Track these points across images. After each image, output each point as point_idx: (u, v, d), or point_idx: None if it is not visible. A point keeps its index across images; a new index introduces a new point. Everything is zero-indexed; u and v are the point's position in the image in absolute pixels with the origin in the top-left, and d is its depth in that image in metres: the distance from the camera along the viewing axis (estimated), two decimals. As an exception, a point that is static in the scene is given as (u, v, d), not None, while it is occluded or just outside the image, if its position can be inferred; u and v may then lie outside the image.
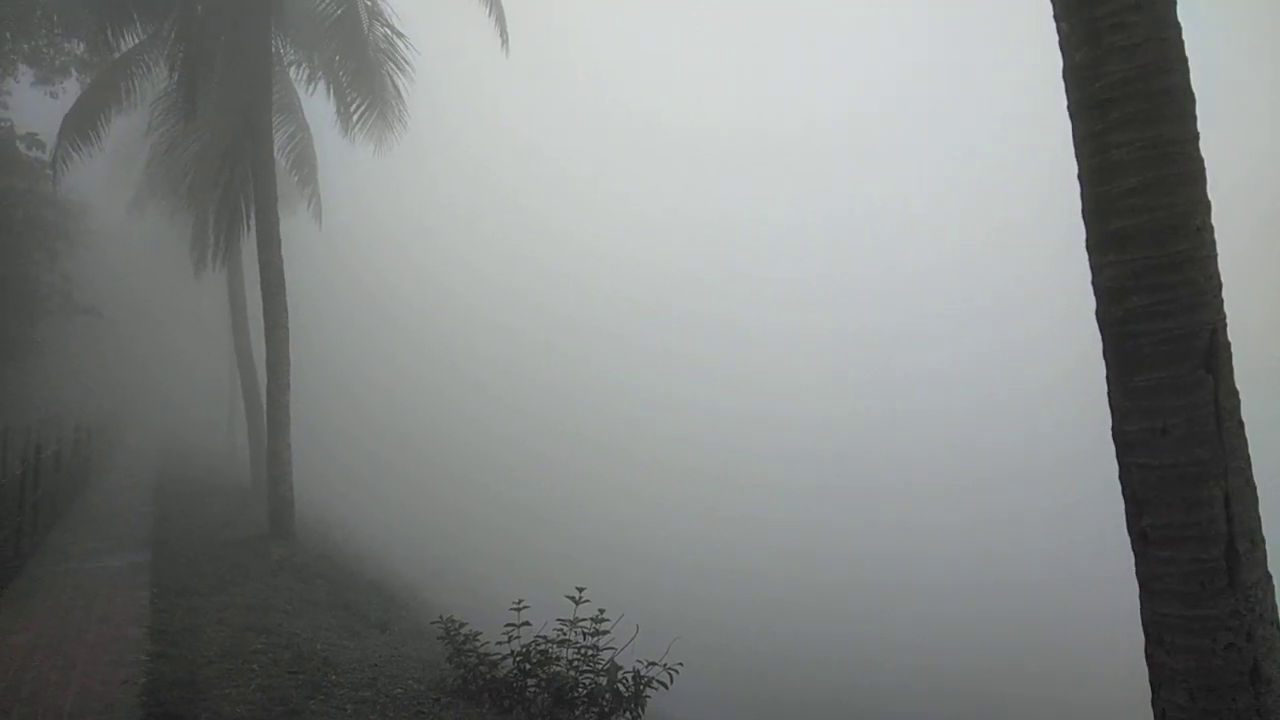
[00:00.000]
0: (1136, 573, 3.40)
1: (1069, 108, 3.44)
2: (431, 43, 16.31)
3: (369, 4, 14.15)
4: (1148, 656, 3.35)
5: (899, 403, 41.54)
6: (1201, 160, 3.29)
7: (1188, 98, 3.28)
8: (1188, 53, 3.31)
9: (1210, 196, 3.28)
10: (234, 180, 13.01)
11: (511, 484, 29.33)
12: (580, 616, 6.22)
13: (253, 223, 13.23)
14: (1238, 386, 3.32)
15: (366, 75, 14.50)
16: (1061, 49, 3.42)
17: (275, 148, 15.70)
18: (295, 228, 18.58)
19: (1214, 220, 3.29)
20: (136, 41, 14.55)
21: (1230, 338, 3.31)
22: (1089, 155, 3.39)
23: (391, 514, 22.89)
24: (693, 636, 7.56)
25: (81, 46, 16.11)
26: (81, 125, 15.12)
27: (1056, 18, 3.43)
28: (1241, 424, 3.31)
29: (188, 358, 29.16)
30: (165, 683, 6.03)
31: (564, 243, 44.73)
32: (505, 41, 15.26)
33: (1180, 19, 3.33)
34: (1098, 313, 3.44)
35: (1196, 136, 3.29)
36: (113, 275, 23.78)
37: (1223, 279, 3.32)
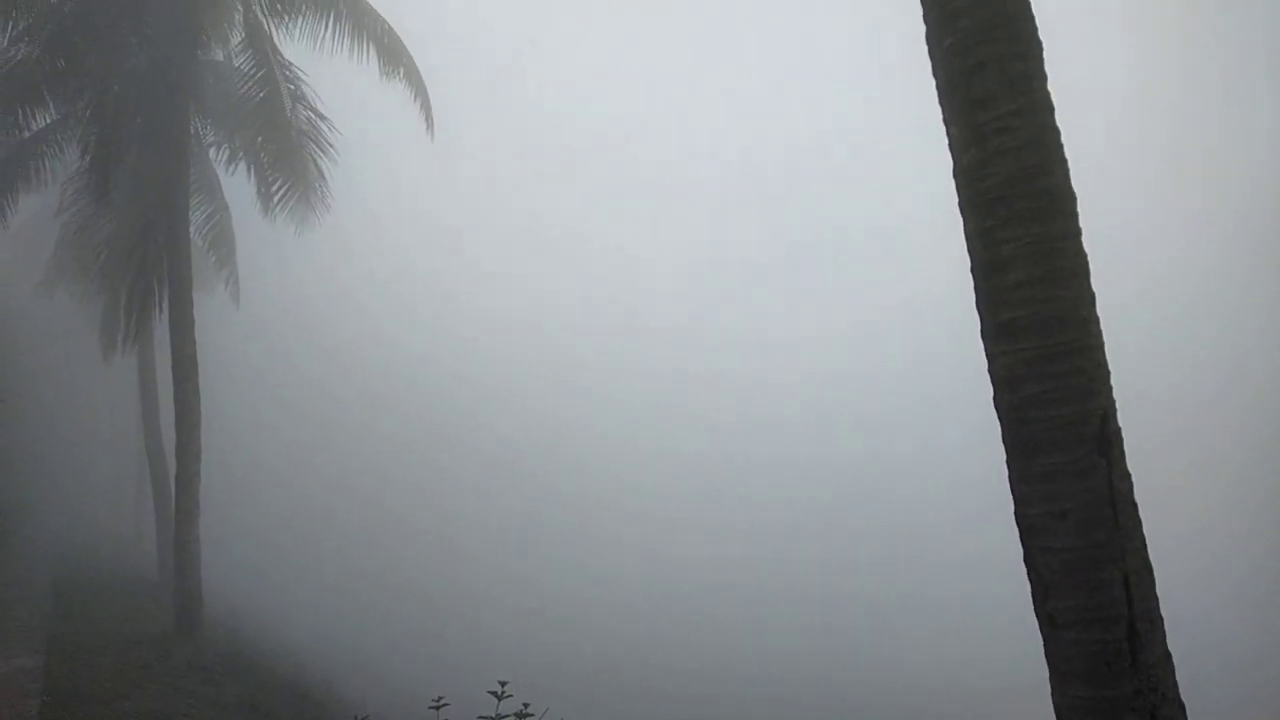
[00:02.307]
0: (1045, 655, 3.47)
1: (960, 205, 3.62)
2: (357, 121, 16.41)
3: (292, 88, 14.17)
4: (1057, 739, 3.40)
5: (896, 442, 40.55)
6: (1085, 255, 3.48)
7: (1069, 197, 3.48)
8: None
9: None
10: (148, 262, 12.72)
11: (449, 555, 28.65)
12: (503, 714, 5.98)
13: (166, 305, 12.92)
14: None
15: (288, 157, 14.45)
16: (951, 151, 3.62)
17: (193, 228, 15.47)
18: (211, 308, 18.19)
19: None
20: (48, 121, 14.28)
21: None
22: (980, 250, 3.55)
23: (315, 597, 22.12)
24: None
25: (-10, 126, 15.72)
26: (-13, 206, 14.67)
27: (945, 122, 3.63)
28: (1135, 505, 3.44)
29: (94, 444, 27.99)
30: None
31: (508, 291, 44.00)
32: (430, 127, 15.44)
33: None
34: (995, 400, 3.56)
35: (1079, 233, 3.49)
36: (17, 359, 22.85)
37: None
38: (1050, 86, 3.52)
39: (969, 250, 3.62)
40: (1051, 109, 3.49)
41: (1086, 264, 3.47)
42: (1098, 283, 3.45)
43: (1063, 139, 3.50)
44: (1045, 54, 3.51)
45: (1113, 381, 3.43)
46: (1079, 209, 3.48)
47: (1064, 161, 3.49)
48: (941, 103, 3.63)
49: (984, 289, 3.55)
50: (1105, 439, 3.37)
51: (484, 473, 35.94)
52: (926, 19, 3.62)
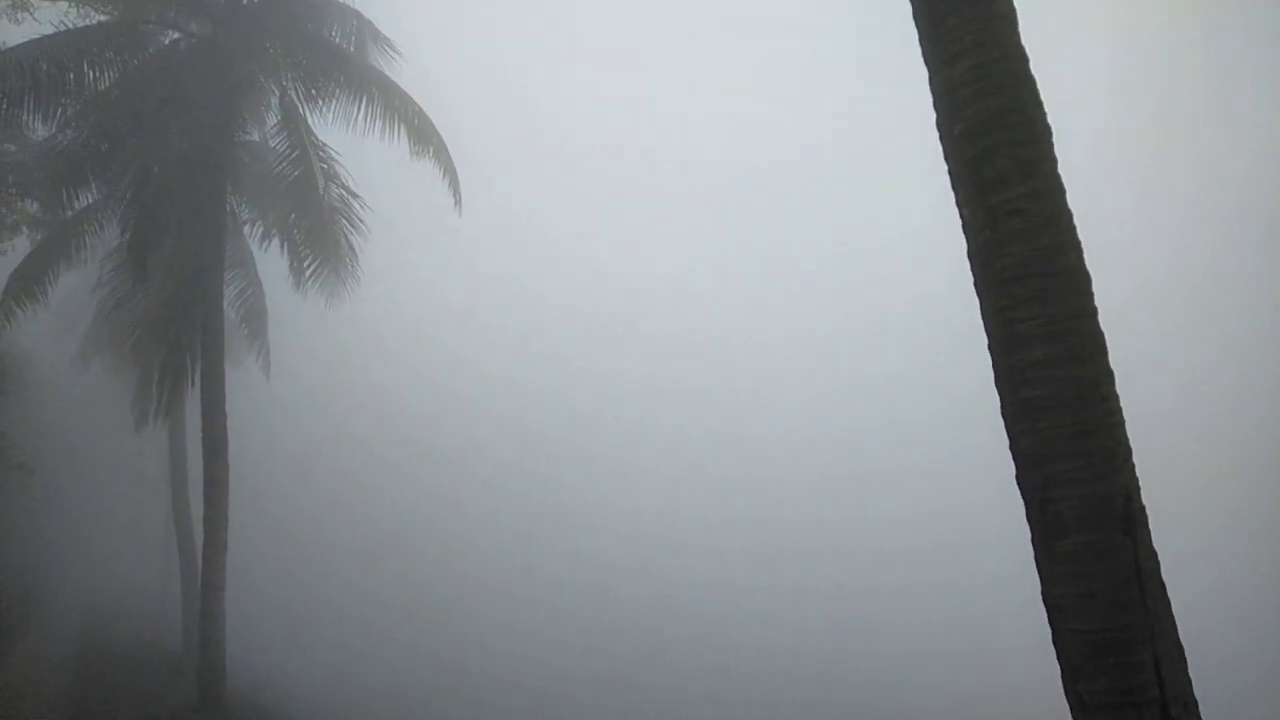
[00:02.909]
0: (1077, 738, 3.40)
1: (975, 285, 3.67)
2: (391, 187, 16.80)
3: (325, 167, 14.59)
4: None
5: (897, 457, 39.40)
6: (1101, 333, 3.51)
7: (1084, 277, 3.52)
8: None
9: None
10: (182, 338, 13.01)
11: (481, 628, 28.35)
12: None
13: (198, 379, 13.15)
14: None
15: (320, 234, 14.82)
16: (965, 232, 3.68)
17: (226, 302, 15.82)
18: (241, 381, 18.47)
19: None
20: (90, 200, 14.77)
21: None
22: (997, 328, 3.59)
23: (339, 670, 21.96)
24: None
25: (35, 205, 16.28)
26: (29, 283, 15.10)
27: (958, 204, 3.71)
28: (1163, 586, 3.40)
29: (123, 515, 28.21)
30: None
31: (529, 363, 43.74)
32: (458, 203, 15.80)
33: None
34: (1018, 478, 3.56)
35: (1095, 312, 3.52)
36: (51, 429, 23.22)
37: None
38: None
39: (986, 329, 3.66)
40: (1063, 191, 3.56)
41: (1104, 342, 3.49)
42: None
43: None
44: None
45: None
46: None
47: (1077, 243, 3.54)
48: (954, 186, 3.71)
49: (1003, 367, 3.57)
50: (1130, 518, 3.35)
51: (521, 547, 35.62)
52: (937, 106, 3.72)
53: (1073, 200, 3.56)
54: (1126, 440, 3.46)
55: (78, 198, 13.82)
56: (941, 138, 3.74)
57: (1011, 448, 3.57)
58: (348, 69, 14.30)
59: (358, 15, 14.96)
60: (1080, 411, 3.37)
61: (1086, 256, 3.54)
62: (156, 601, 24.86)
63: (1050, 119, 3.60)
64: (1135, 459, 3.43)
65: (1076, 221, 3.55)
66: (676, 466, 38.22)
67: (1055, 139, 3.58)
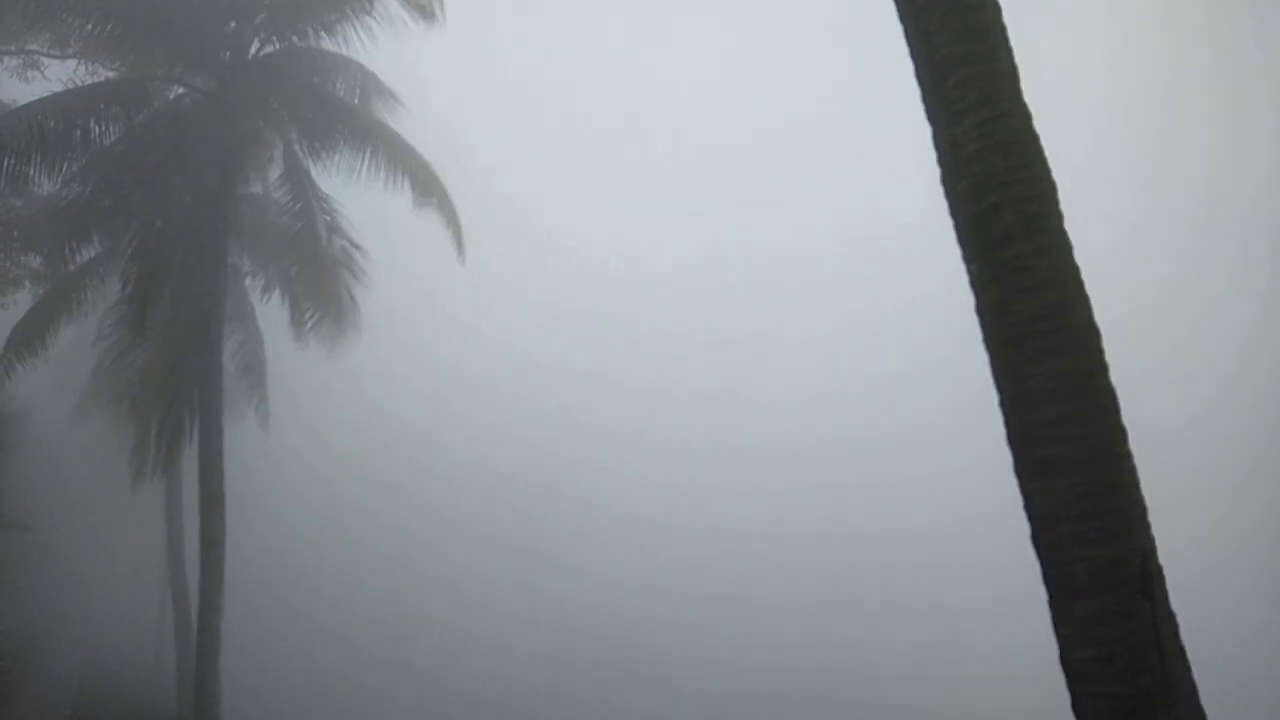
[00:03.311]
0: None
1: (984, 341, 3.63)
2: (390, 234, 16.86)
3: (327, 219, 14.69)
4: None
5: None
6: (1113, 390, 3.46)
7: (1094, 333, 3.49)
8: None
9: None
10: (180, 392, 12.96)
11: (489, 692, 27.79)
12: None
13: (196, 434, 13.08)
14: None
15: (322, 285, 14.86)
16: (972, 288, 3.65)
17: (225, 354, 15.81)
18: (240, 433, 18.35)
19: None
20: (92, 254, 14.83)
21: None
22: (1009, 385, 3.54)
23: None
24: None
25: (38, 260, 16.35)
26: (30, 337, 15.10)
27: (965, 259, 3.68)
28: (1182, 648, 3.31)
29: (118, 573, 27.84)
30: None
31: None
32: (461, 252, 15.90)
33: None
34: (1033, 538, 3.48)
35: (1106, 369, 3.47)
36: (48, 485, 23.04)
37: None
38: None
39: (996, 386, 3.61)
40: (1070, 248, 3.54)
41: (1116, 399, 3.45)
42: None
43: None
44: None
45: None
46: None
47: (1086, 299, 3.51)
48: (960, 242, 3.69)
49: (1015, 425, 3.52)
50: (1147, 579, 3.28)
51: (532, 607, 34.94)
52: (941, 162, 3.72)
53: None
54: (1142, 498, 3.39)
55: (80, 252, 13.88)
56: (946, 194, 3.73)
57: (1026, 507, 3.50)
58: (352, 122, 14.47)
59: (361, 69, 15.16)
60: (1095, 470, 3.31)
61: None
62: (152, 663, 24.45)
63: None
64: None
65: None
66: (676, 478, 37.42)
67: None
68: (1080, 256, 3.56)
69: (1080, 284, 3.53)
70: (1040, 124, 3.61)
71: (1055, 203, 3.56)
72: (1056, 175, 3.58)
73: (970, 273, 3.66)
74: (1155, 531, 3.38)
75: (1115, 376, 3.46)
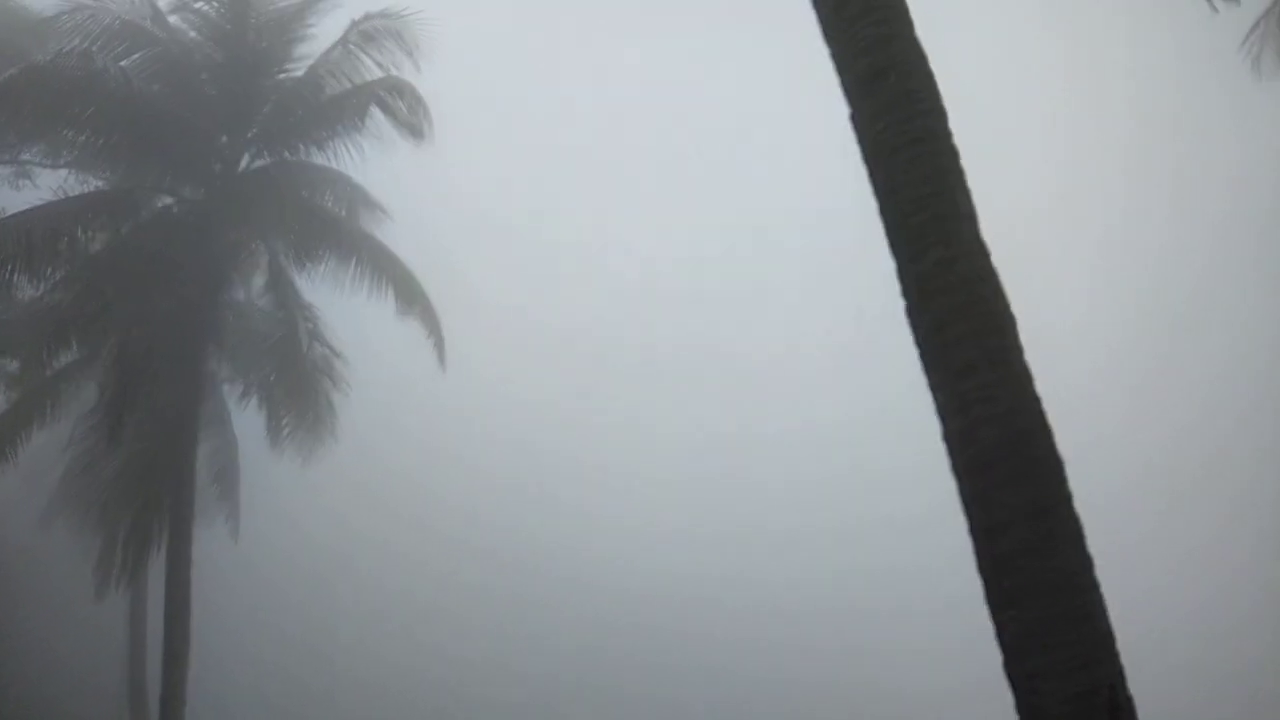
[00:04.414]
0: None
1: (951, 468, 3.72)
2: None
3: (309, 326, 14.81)
4: None
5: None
6: (1078, 520, 3.53)
7: (1057, 463, 3.58)
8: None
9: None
10: (151, 499, 12.77)
11: None
12: None
13: (165, 543, 12.82)
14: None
15: (300, 392, 14.90)
16: (938, 415, 3.76)
17: (199, 460, 15.64)
18: (208, 541, 17.96)
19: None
20: (70, 360, 14.79)
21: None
22: (977, 513, 3.61)
23: None
24: None
25: (15, 364, 16.26)
26: (1, 442, 14.89)
27: (930, 388, 3.80)
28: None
29: (81, 687, 26.68)
30: None
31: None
32: (442, 362, 16.01)
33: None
34: (1005, 668, 3.49)
35: (1070, 497, 3.56)
36: (13, 598, 22.33)
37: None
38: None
39: (966, 513, 3.68)
40: (1031, 378, 3.67)
41: (1081, 529, 3.52)
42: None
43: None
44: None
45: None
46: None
47: (1048, 429, 3.62)
48: (924, 370, 3.82)
49: (985, 553, 3.57)
50: (1116, 709, 3.29)
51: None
52: (905, 295, 3.88)
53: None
54: (1110, 629, 3.43)
55: (58, 357, 13.86)
56: (911, 325, 3.87)
57: (997, 636, 3.52)
58: (339, 233, 14.76)
59: (350, 182, 15.53)
60: (1060, 601, 3.36)
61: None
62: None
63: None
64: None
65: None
66: (672, 520, 36.54)
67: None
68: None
69: (1042, 414, 3.65)
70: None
71: (1015, 336, 3.70)
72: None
73: (935, 401, 3.78)
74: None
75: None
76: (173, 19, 13.85)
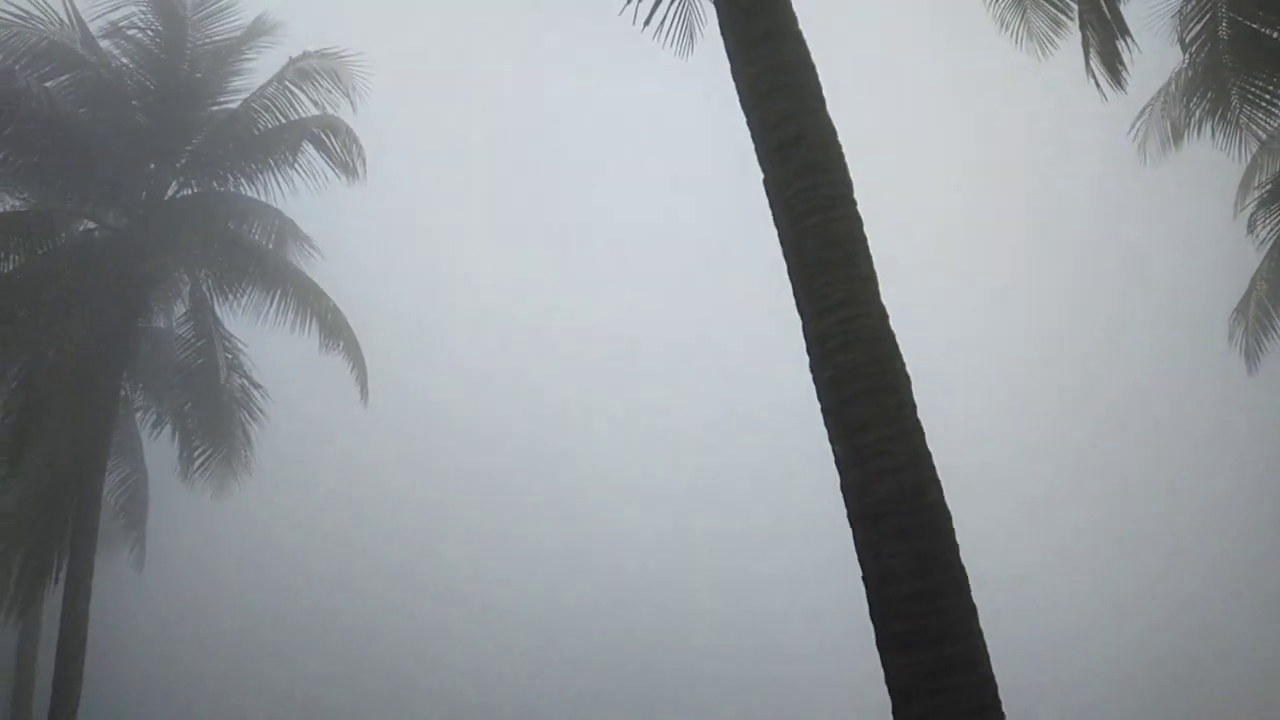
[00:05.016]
0: None
1: (848, 517, 3.90)
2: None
3: (229, 357, 14.56)
4: None
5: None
6: (964, 569, 3.74)
7: (945, 515, 3.80)
8: None
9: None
10: (51, 531, 12.26)
11: None
12: None
13: (62, 575, 12.30)
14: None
15: (216, 423, 14.61)
16: (837, 466, 3.96)
17: (106, 489, 15.11)
18: (109, 574, 17.26)
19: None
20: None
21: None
22: (869, 561, 3.80)
23: None
24: None
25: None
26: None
27: (830, 440, 4.00)
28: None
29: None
30: None
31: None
32: (365, 397, 15.84)
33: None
34: (894, 712, 3.65)
35: (956, 548, 3.76)
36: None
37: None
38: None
39: (860, 562, 3.86)
40: (922, 435, 3.89)
41: (966, 578, 3.72)
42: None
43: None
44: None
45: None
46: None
47: (938, 481, 3.84)
48: (825, 423, 4.02)
49: (876, 600, 3.75)
50: (1000, 753, 3.46)
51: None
52: (810, 351, 4.09)
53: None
54: (993, 676, 3.61)
55: (-39, 382, 13.32)
56: (814, 379, 4.07)
57: (885, 680, 3.68)
58: (263, 265, 14.57)
59: (279, 214, 15.40)
60: (945, 648, 3.53)
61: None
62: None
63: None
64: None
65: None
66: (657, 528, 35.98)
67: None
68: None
69: (933, 468, 3.87)
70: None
71: (909, 394, 3.93)
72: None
73: (835, 453, 3.97)
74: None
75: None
76: (105, 44, 13.63)
